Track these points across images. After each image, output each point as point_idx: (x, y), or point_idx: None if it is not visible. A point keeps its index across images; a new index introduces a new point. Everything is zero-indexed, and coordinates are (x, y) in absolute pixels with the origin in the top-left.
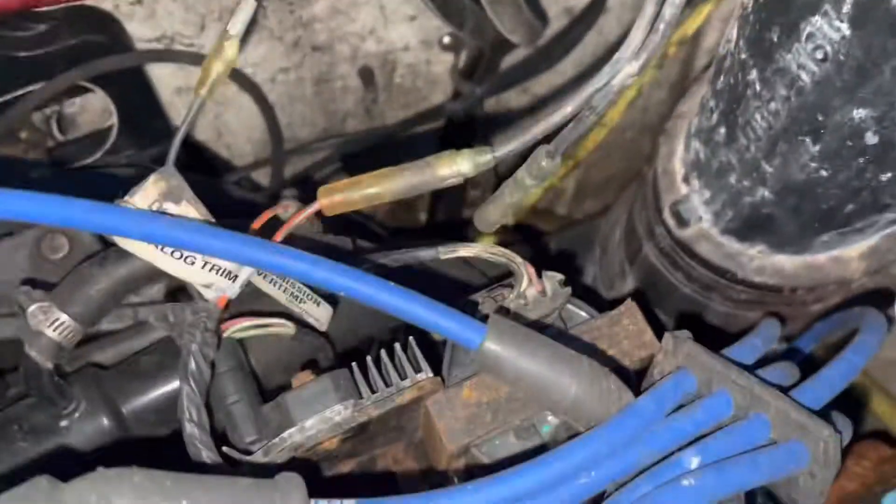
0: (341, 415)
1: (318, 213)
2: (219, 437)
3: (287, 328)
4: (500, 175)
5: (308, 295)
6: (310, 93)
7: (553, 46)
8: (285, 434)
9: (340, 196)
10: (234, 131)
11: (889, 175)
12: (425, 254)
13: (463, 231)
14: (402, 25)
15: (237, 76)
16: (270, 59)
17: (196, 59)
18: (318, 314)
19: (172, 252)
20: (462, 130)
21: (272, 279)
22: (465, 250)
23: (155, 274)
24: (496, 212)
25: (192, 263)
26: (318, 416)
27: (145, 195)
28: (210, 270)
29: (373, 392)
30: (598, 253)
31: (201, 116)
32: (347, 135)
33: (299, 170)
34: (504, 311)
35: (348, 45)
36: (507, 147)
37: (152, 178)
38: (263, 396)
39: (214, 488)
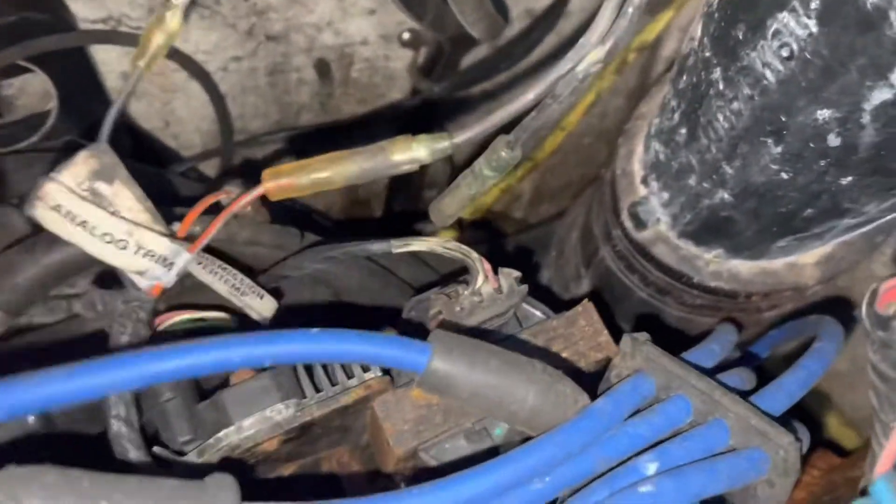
0: (282, 414)
1: (265, 201)
2: (151, 437)
3: (226, 322)
4: (456, 173)
5: (250, 287)
6: (263, 83)
7: (513, 47)
8: (221, 434)
9: (287, 179)
10: (183, 120)
11: (849, 179)
12: (377, 247)
13: (418, 231)
14: (361, 19)
15: (187, 63)
16: (223, 47)
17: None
18: (261, 307)
19: (103, 235)
20: (419, 128)
21: (212, 269)
22: (418, 244)
23: (88, 262)
24: (453, 204)
25: (125, 248)
26: (258, 416)
27: (74, 173)
28: (144, 256)
29: (317, 391)
30: (553, 255)
31: (148, 105)
32: (301, 128)
33: (249, 162)
34: (449, 323)
35: (304, 36)
36: (465, 134)
37: (82, 154)
38: (202, 394)
39: (136, 490)
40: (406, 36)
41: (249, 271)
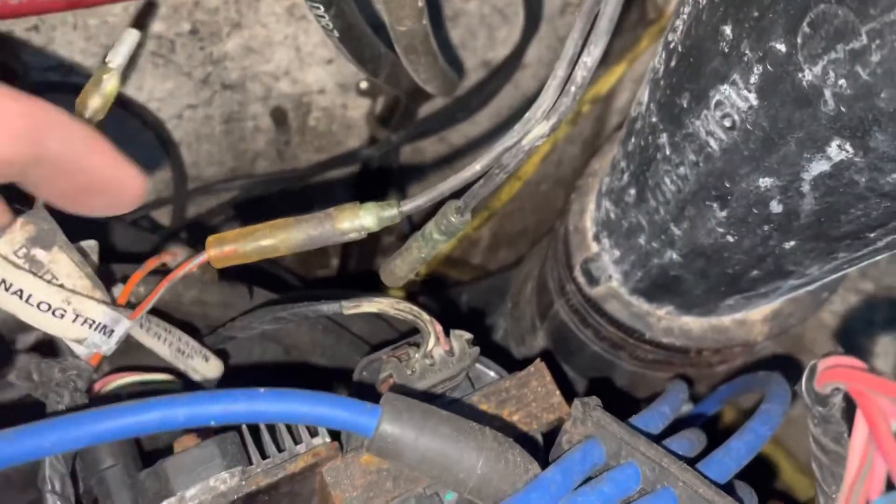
0: (227, 483)
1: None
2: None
3: (172, 384)
4: (413, 222)
5: (196, 350)
6: (218, 131)
7: (470, 98)
8: None
9: (231, 247)
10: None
11: (792, 243)
12: (328, 308)
13: (376, 279)
14: (319, 68)
15: (141, 111)
16: (178, 95)
17: None
18: (207, 370)
19: (39, 304)
20: (377, 176)
21: (155, 332)
22: (369, 305)
23: (20, 328)
24: (404, 267)
25: (63, 316)
26: (201, 485)
27: (9, 240)
28: (83, 324)
29: (263, 458)
30: (509, 307)
31: None
32: (257, 176)
33: (203, 210)
34: (399, 387)
35: (261, 84)
36: (414, 202)
37: (20, 220)
38: (145, 461)
39: None
40: (364, 85)
41: (195, 331)
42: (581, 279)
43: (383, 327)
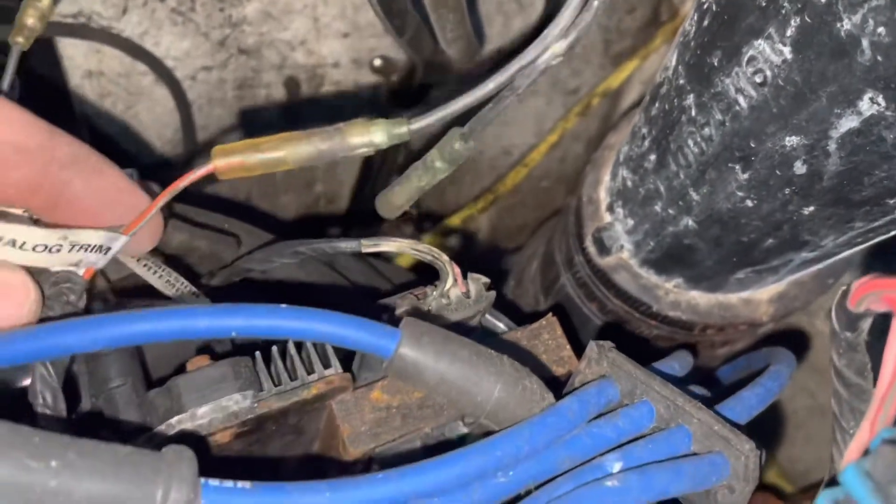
0: (239, 404)
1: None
2: (98, 423)
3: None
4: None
5: (185, 285)
6: (231, 96)
7: (482, 83)
8: (173, 420)
9: (238, 158)
10: (145, 126)
11: (811, 209)
12: (346, 245)
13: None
14: (335, 41)
15: (156, 67)
16: (193, 56)
17: (114, 41)
18: None
19: (35, 247)
20: (384, 153)
21: (146, 264)
22: (388, 244)
23: None
24: (402, 195)
25: (59, 251)
26: (213, 404)
27: None
28: (79, 251)
29: (276, 385)
30: (511, 285)
31: (111, 105)
32: None
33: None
34: (419, 313)
35: (277, 52)
36: (424, 120)
37: None
38: (150, 386)
39: (91, 452)
40: (377, 62)
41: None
42: (591, 249)
43: (387, 286)
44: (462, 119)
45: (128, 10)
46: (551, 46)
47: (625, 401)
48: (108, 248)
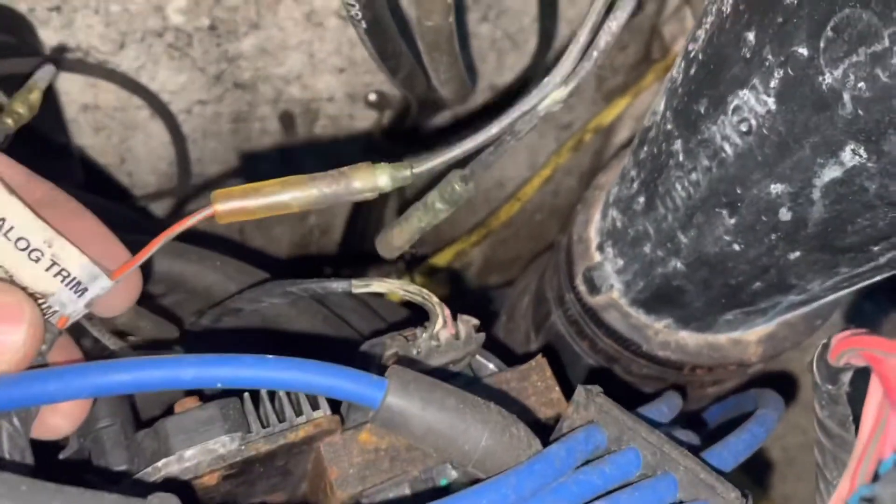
0: (227, 447)
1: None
2: (85, 465)
3: None
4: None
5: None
6: (226, 130)
7: (475, 119)
8: (160, 463)
9: (238, 202)
10: (140, 159)
11: (797, 254)
12: (337, 285)
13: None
14: (330, 76)
15: (152, 101)
16: (189, 90)
17: (109, 76)
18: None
19: (18, 240)
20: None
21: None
22: (380, 285)
23: None
24: (402, 236)
25: (38, 260)
26: (200, 447)
27: (8, 162)
28: (56, 276)
29: (264, 427)
30: (503, 321)
31: (106, 139)
32: (259, 178)
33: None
34: (407, 357)
35: (272, 87)
36: (427, 164)
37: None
38: (139, 426)
39: (77, 500)
40: (372, 97)
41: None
42: (582, 287)
43: (381, 324)
44: (462, 161)
45: (125, 45)
46: (552, 93)
47: (612, 447)
48: (85, 290)
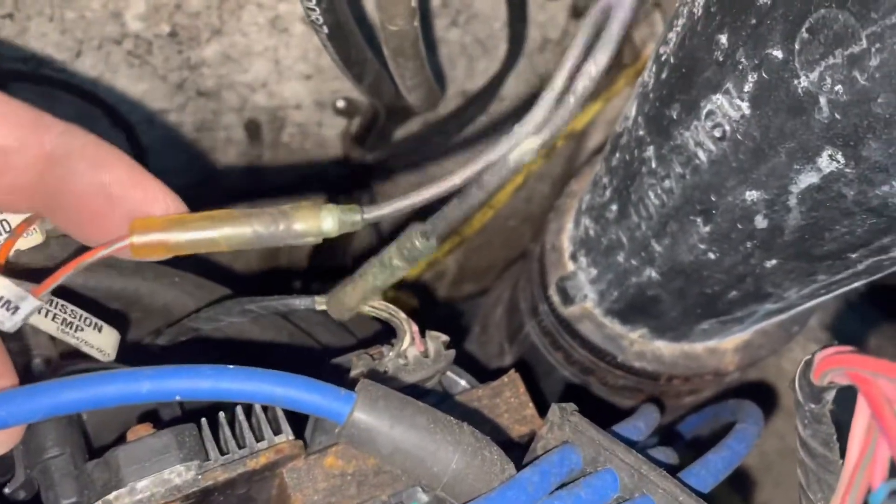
0: (182, 477)
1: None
2: (32, 500)
3: None
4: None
5: (86, 319)
6: (189, 139)
7: (446, 125)
8: (111, 496)
9: (159, 235)
10: None
11: (773, 262)
12: (300, 302)
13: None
14: (296, 83)
15: (111, 111)
16: (150, 99)
17: (66, 86)
18: (101, 342)
19: None
20: (348, 199)
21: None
22: None
23: None
24: (355, 296)
25: None
26: (154, 477)
27: None
28: None
29: (222, 454)
30: (477, 332)
31: None
32: (224, 189)
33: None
34: (377, 375)
35: (237, 94)
36: (379, 210)
37: None
38: (92, 455)
39: None
40: (340, 104)
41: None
42: (556, 298)
43: (349, 339)
44: (421, 210)
45: (82, 53)
46: (523, 143)
47: (588, 468)
48: (17, 308)
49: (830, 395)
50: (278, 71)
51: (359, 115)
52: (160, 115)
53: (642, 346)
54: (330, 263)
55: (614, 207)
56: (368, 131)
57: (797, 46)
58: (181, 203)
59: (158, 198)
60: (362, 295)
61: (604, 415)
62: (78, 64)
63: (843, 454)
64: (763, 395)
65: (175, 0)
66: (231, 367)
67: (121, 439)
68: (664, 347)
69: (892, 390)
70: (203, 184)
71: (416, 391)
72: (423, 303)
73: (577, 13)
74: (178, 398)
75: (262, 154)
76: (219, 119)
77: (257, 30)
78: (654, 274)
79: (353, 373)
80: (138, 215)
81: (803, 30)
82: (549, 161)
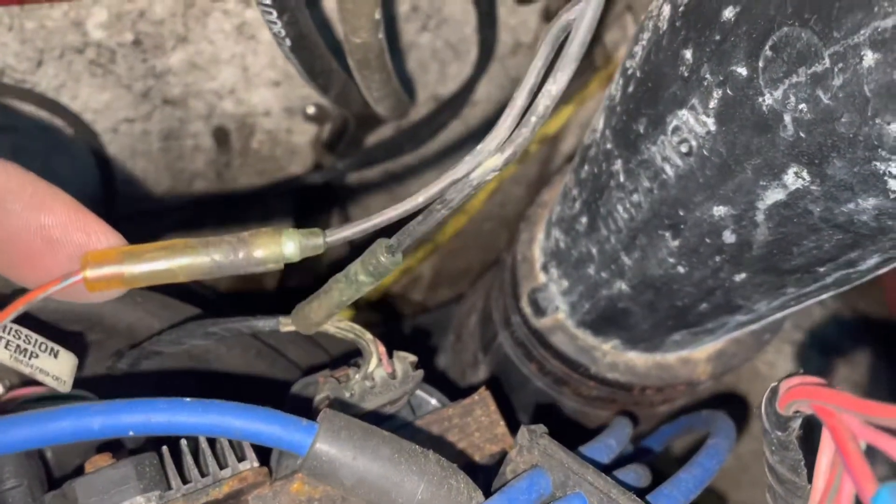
0: None
1: None
2: None
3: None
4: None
5: (41, 345)
6: (156, 148)
7: (418, 129)
8: None
9: (113, 269)
10: (64, 182)
11: (743, 276)
12: (263, 324)
13: None
14: (265, 90)
15: (74, 121)
16: (115, 108)
17: (29, 96)
18: (57, 369)
19: None
20: (320, 205)
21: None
22: None
23: None
24: (321, 311)
25: None
26: None
27: None
28: None
29: (185, 483)
30: (451, 340)
31: (29, 162)
32: (194, 197)
33: (134, 232)
34: (341, 401)
35: (204, 102)
36: (341, 233)
37: None
38: (51, 485)
39: None
40: (310, 110)
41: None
42: (527, 310)
43: (320, 354)
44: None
45: (43, 63)
46: (486, 161)
47: (557, 493)
48: None
49: (797, 423)
50: (246, 78)
51: (329, 122)
52: (125, 124)
53: (615, 357)
54: (300, 280)
55: (584, 220)
56: (340, 138)
57: (761, 64)
58: (125, 243)
59: (101, 240)
60: (328, 310)
61: (575, 427)
62: (40, 73)
63: (811, 478)
64: (736, 398)
65: (138, 8)
66: (187, 399)
67: (81, 469)
68: (637, 358)
69: (856, 425)
70: (171, 191)
71: (380, 416)
72: (395, 313)
73: (548, 17)
74: (131, 433)
75: (231, 161)
76: (186, 127)
77: (224, 37)
78: (624, 287)
79: (317, 398)
80: (77, 253)
81: (767, 47)
82: (524, 164)
